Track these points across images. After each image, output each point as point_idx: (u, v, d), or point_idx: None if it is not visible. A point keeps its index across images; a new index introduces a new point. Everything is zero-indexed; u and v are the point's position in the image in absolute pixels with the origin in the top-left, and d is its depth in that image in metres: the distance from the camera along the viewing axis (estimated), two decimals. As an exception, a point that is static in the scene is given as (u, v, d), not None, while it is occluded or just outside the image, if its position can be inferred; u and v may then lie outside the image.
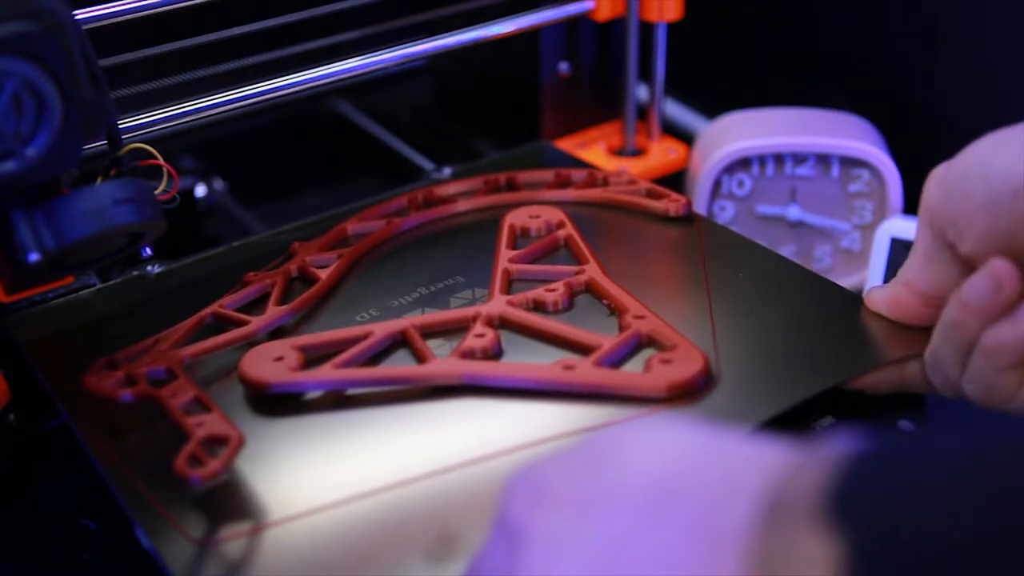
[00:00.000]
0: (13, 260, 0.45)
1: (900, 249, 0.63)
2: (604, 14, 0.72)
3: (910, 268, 0.47)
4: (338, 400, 0.48)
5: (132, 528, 0.44)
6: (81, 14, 0.53)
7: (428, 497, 0.42)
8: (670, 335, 0.48)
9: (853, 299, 0.52)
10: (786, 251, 0.70)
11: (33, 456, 0.56)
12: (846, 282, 0.69)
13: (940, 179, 0.44)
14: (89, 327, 0.55)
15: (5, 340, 0.55)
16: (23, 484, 0.55)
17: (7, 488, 0.55)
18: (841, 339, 0.50)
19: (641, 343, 0.48)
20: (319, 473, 0.44)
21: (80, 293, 0.57)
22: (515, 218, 0.59)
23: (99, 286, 0.58)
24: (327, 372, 0.47)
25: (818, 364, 0.48)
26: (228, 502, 0.44)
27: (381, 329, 0.50)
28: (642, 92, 0.77)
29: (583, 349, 0.48)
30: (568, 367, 0.46)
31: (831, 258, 0.70)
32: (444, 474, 0.43)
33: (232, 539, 0.41)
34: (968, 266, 0.44)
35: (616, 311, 0.51)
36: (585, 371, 0.46)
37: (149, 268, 0.58)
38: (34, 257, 0.44)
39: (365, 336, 0.49)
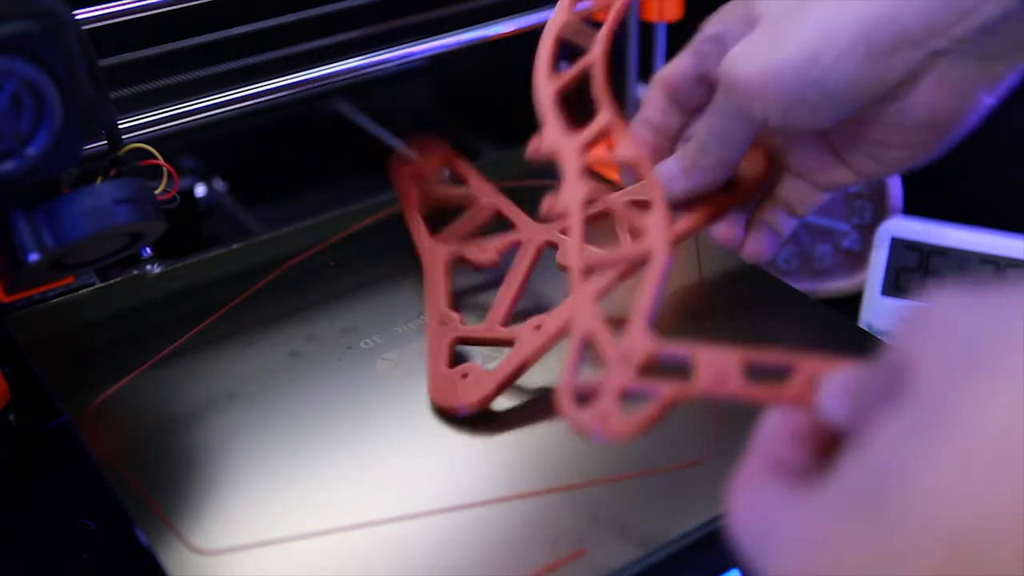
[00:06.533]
0: (13, 260, 0.45)
1: (900, 249, 0.63)
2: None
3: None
4: (351, 424, 0.49)
5: (132, 528, 0.44)
6: (81, 14, 0.53)
7: (428, 535, 0.43)
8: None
9: (861, 334, 0.53)
10: (786, 251, 0.70)
11: (33, 456, 0.56)
12: (846, 282, 0.69)
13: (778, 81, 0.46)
14: (89, 327, 0.55)
15: (5, 340, 0.55)
16: (23, 484, 0.55)
17: (7, 488, 0.55)
18: None
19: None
20: (324, 497, 0.45)
21: (80, 293, 0.57)
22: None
23: (99, 286, 0.58)
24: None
25: None
26: (229, 512, 0.44)
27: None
28: (642, 92, 0.77)
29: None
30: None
31: (831, 258, 0.70)
32: (456, 511, 0.44)
33: (229, 552, 0.42)
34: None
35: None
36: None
37: (149, 268, 0.58)
38: (34, 257, 0.44)
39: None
